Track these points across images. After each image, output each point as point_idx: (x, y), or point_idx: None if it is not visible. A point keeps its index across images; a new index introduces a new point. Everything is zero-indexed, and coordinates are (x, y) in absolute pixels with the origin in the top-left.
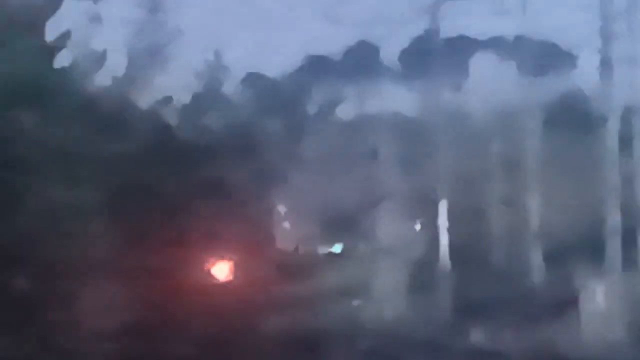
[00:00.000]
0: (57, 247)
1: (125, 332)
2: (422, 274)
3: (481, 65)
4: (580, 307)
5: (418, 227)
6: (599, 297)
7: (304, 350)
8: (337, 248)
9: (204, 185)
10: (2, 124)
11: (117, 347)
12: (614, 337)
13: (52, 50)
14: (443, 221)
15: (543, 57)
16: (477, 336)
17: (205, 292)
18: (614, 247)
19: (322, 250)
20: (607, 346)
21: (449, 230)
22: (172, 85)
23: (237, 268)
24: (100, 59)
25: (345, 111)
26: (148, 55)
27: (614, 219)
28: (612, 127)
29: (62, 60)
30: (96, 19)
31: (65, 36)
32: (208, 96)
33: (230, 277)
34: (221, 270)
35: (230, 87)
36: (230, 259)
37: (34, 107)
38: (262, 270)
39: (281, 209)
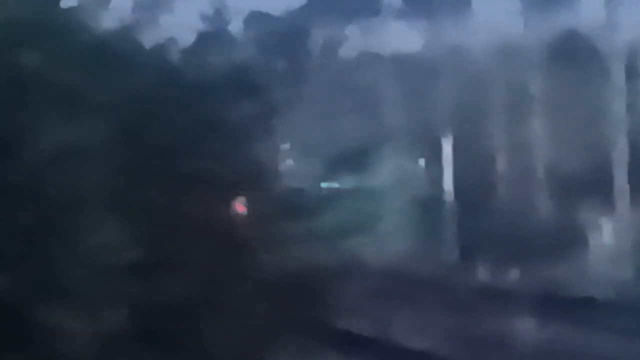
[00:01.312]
0: (61, 185)
1: (129, 269)
2: (426, 212)
3: (484, 0)
4: (587, 243)
5: (422, 164)
6: (606, 234)
7: (307, 287)
8: (341, 184)
9: (208, 124)
10: (8, 64)
11: (121, 285)
12: (622, 274)
13: None
14: (447, 158)
15: None
16: (483, 274)
17: (208, 230)
18: (621, 183)
19: (326, 186)
20: (615, 283)
21: (454, 167)
22: (177, 25)
23: (240, 206)
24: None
25: (348, 49)
26: None
27: (621, 155)
28: (618, 62)
29: (68, 0)
30: None
31: None
32: (212, 36)
33: (234, 215)
34: (225, 208)
35: (234, 26)
36: (233, 197)
37: (40, 47)
38: (266, 208)
39: (285, 146)
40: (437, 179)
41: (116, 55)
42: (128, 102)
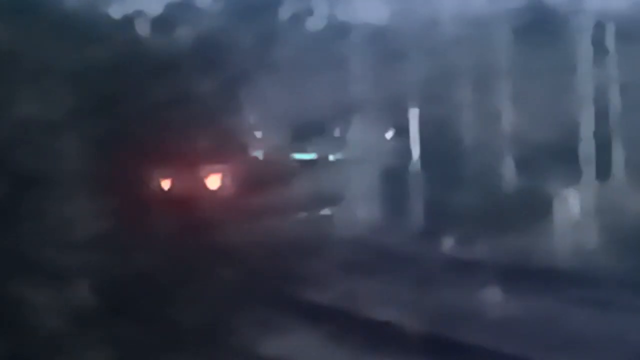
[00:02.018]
0: (29, 159)
1: (98, 243)
2: (394, 183)
3: None
4: (553, 214)
5: (389, 134)
6: (572, 205)
7: (275, 259)
8: (308, 155)
9: (176, 95)
10: None
11: (89, 258)
12: (587, 245)
13: None
14: (414, 129)
15: None
16: (449, 245)
17: (176, 202)
18: (587, 155)
19: (293, 158)
20: (580, 253)
21: (421, 138)
22: None
23: (208, 178)
24: None
25: (316, 20)
26: None
27: (587, 127)
28: (585, 33)
29: None
30: None
31: None
32: (180, 7)
33: (202, 188)
34: (193, 180)
35: None
36: (202, 169)
37: (8, 20)
38: (234, 180)
39: (252, 118)
40: (405, 150)
41: (84, 27)
42: (96, 74)
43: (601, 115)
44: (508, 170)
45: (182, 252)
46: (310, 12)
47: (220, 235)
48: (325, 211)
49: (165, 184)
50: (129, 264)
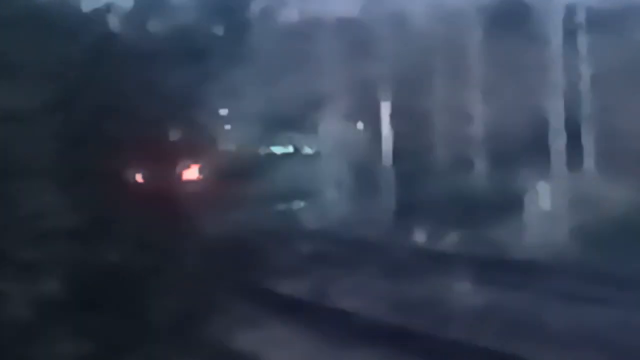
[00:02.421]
0: None
1: (67, 235)
2: (365, 175)
3: None
4: (524, 207)
5: (360, 127)
6: (543, 197)
7: (247, 252)
8: (280, 148)
9: (147, 90)
10: None
11: (59, 250)
12: (558, 237)
13: None
14: (386, 122)
15: None
16: (421, 237)
17: (147, 195)
18: (558, 147)
19: (265, 150)
20: (551, 246)
21: (392, 131)
22: None
23: (179, 170)
24: None
25: (288, 13)
26: None
27: (558, 118)
28: (556, 25)
29: None
30: None
31: None
32: (151, 0)
33: (173, 180)
34: (163, 172)
35: None
36: (172, 162)
37: None
38: (205, 172)
39: (224, 111)
40: (376, 143)
41: (54, 20)
42: (66, 68)
43: (572, 107)
44: (479, 163)
45: (152, 245)
46: (282, 6)
47: (191, 227)
48: (297, 203)
49: (136, 177)
50: (99, 257)
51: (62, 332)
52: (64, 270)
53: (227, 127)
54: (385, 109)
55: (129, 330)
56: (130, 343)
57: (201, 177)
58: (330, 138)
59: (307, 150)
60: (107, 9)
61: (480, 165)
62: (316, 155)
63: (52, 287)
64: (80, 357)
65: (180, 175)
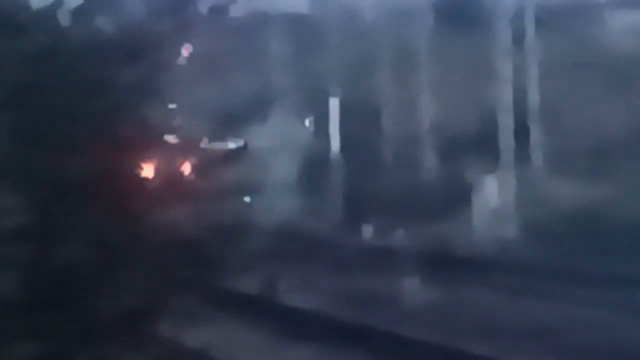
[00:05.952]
0: None
1: (18, 234)
2: (313, 170)
3: None
4: (472, 202)
5: (309, 123)
6: (490, 192)
7: (196, 248)
8: (228, 144)
9: (95, 86)
10: None
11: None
12: (506, 232)
13: None
14: (334, 118)
15: None
16: (369, 232)
17: (98, 193)
18: (506, 142)
19: (213, 147)
20: (499, 241)
21: (341, 126)
22: None
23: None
24: None
25: (237, 8)
26: None
27: (506, 113)
28: (504, 23)
29: None
30: None
31: None
32: None
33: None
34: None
35: None
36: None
37: None
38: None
39: (172, 106)
40: (324, 138)
41: (4, 18)
42: (15, 65)
43: (520, 103)
44: (427, 158)
45: (103, 243)
46: (232, 2)
47: (142, 224)
48: (245, 199)
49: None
50: (51, 256)
51: (13, 332)
52: (15, 270)
53: (177, 122)
54: (334, 104)
55: (80, 329)
56: (82, 341)
57: (150, 173)
58: (279, 133)
59: (255, 145)
60: (56, 5)
61: (429, 161)
62: (264, 150)
63: (3, 287)
64: (31, 357)
65: (128, 172)
